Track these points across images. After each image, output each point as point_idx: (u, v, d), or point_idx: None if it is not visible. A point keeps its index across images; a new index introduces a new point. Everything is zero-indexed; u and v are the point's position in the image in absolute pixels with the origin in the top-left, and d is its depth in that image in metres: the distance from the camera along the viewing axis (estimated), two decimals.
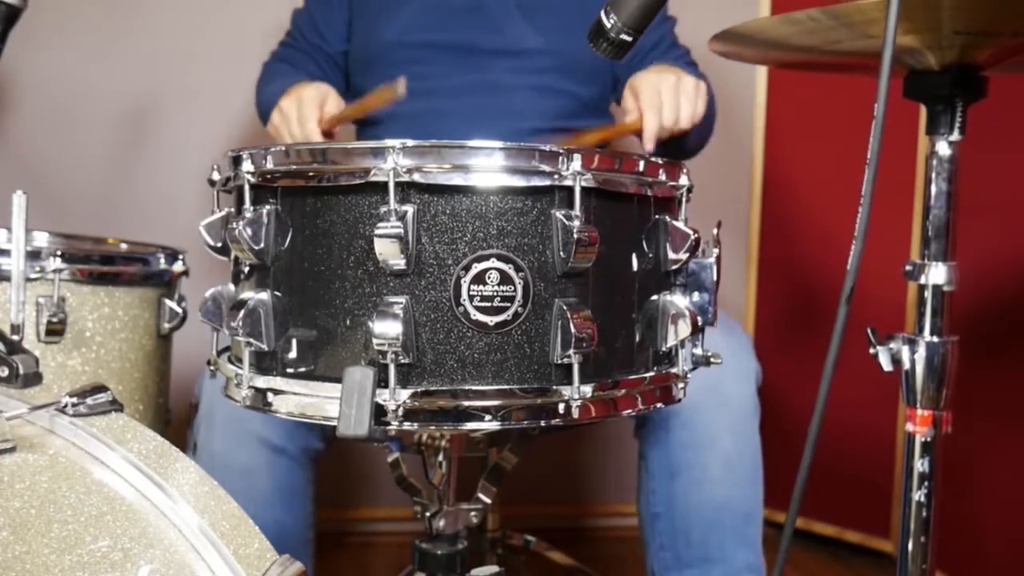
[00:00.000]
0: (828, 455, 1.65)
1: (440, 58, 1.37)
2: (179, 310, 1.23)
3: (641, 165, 0.75)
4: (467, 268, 0.69)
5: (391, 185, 0.67)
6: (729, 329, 1.10)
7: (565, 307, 0.70)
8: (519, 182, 0.69)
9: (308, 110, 1.19)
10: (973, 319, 1.53)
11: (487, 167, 0.69)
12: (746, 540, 1.13)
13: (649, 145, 1.16)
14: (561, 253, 0.69)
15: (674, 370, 0.79)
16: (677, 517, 1.12)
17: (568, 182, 0.69)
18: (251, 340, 0.72)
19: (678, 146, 1.24)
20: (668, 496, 1.13)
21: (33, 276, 1.07)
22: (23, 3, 0.80)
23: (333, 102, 1.23)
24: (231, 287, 0.80)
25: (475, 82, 1.36)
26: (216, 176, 0.80)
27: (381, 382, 0.68)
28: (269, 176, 0.73)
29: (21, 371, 0.71)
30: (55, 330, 1.07)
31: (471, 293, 0.69)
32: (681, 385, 0.80)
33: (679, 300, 0.77)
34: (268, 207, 0.73)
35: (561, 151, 0.70)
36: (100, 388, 0.71)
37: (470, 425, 0.70)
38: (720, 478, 1.10)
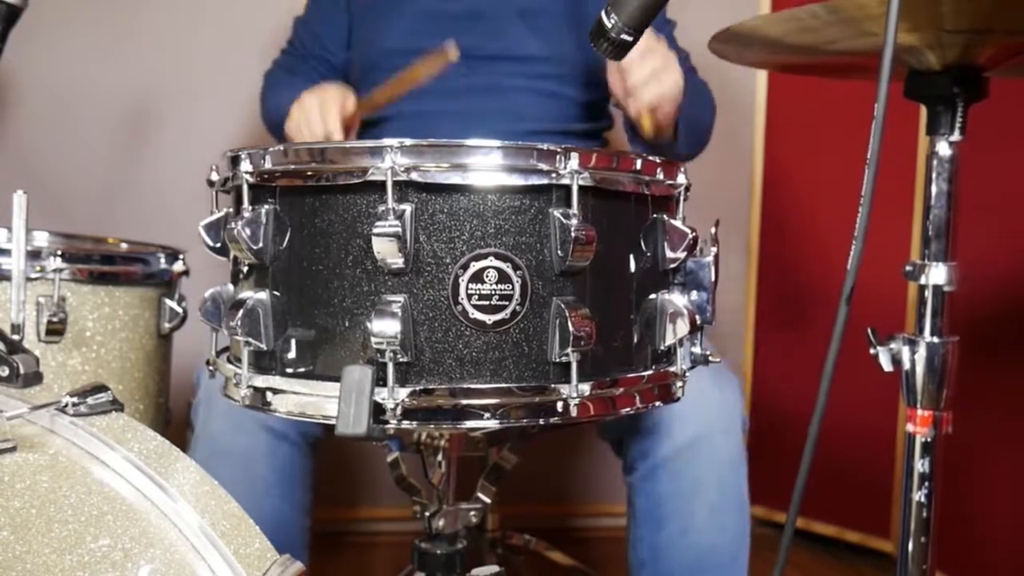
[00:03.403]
0: (828, 455, 1.65)
1: None
2: (179, 310, 1.23)
3: (638, 163, 0.76)
4: (465, 267, 0.69)
5: (389, 184, 0.67)
6: (719, 377, 1.11)
7: (563, 305, 0.70)
8: (517, 181, 0.69)
9: (331, 106, 1.19)
10: (973, 319, 1.53)
11: (485, 166, 0.69)
12: None
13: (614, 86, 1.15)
14: (559, 252, 0.70)
15: (672, 369, 0.79)
16: (662, 564, 1.13)
17: (565, 181, 0.70)
18: (250, 340, 0.72)
19: (669, 147, 1.24)
20: (654, 545, 1.13)
21: (33, 276, 1.08)
22: (23, 3, 0.80)
23: (352, 102, 1.23)
24: (230, 287, 0.80)
25: (475, 84, 1.36)
26: (215, 176, 0.80)
27: (380, 381, 0.68)
28: (267, 176, 0.73)
29: (21, 371, 0.72)
30: (55, 330, 1.07)
31: (469, 292, 0.69)
32: (680, 384, 0.80)
33: (677, 299, 0.77)
34: (266, 207, 0.73)
35: (558, 150, 0.70)
36: (100, 388, 0.71)
37: (469, 423, 0.70)
38: (705, 527, 1.11)
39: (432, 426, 0.75)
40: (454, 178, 0.69)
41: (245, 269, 0.77)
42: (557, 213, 0.70)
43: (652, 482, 1.12)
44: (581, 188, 0.70)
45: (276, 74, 1.48)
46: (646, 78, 1.13)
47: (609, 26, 0.76)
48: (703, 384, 0.82)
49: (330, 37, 1.45)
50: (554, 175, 0.69)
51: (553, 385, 0.71)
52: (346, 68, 1.46)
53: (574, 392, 0.70)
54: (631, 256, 0.76)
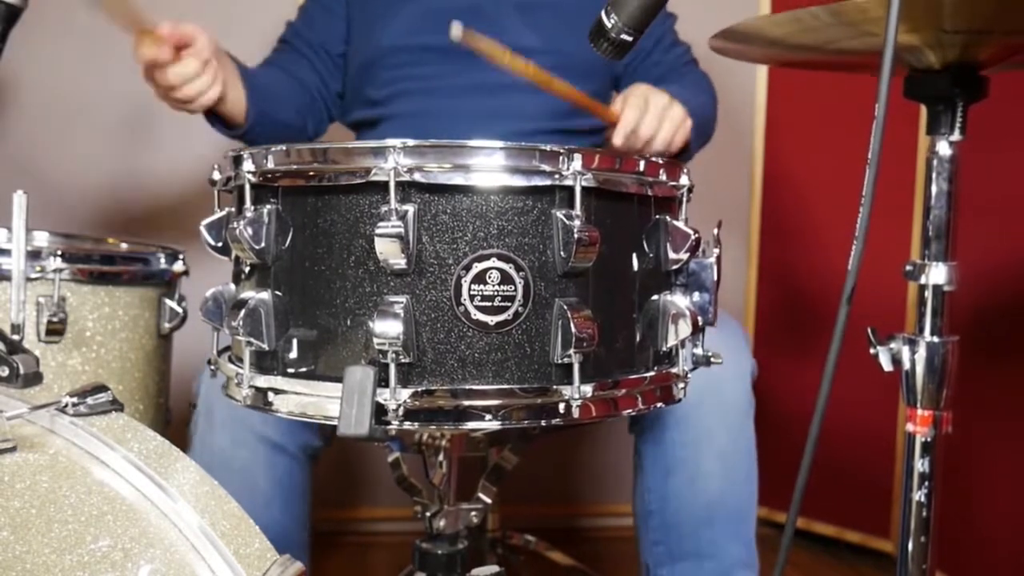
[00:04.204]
0: (828, 455, 1.65)
1: (439, 60, 1.37)
2: (179, 310, 1.23)
3: (641, 165, 0.76)
4: (468, 268, 0.69)
5: (392, 185, 0.67)
6: (725, 326, 1.10)
7: (565, 307, 0.70)
8: (520, 182, 0.69)
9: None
10: (973, 319, 1.53)
11: (488, 167, 0.69)
12: (739, 536, 1.13)
13: (617, 140, 1.13)
14: (562, 253, 0.69)
15: (674, 370, 0.79)
16: (670, 513, 1.12)
17: (568, 182, 0.69)
18: (252, 340, 0.72)
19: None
20: (662, 493, 1.13)
21: (33, 276, 1.07)
22: (23, 3, 0.80)
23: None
24: (232, 287, 0.80)
25: (474, 82, 1.36)
26: (217, 176, 0.80)
27: (382, 381, 0.68)
28: (270, 176, 0.73)
29: (21, 371, 0.71)
30: (55, 330, 1.07)
31: (472, 293, 0.69)
32: (681, 385, 0.80)
33: (679, 300, 0.77)
34: (269, 207, 0.73)
35: (561, 151, 0.70)
36: (100, 388, 0.71)
37: (470, 425, 0.70)
38: (714, 475, 1.10)
39: (434, 427, 0.75)
40: (457, 179, 0.68)
41: (247, 269, 0.77)
42: (560, 214, 0.70)
43: (660, 430, 1.12)
44: (584, 189, 0.70)
45: (259, 68, 1.44)
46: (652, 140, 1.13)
47: (609, 26, 0.76)
48: (710, 333, 0.83)
49: (329, 29, 1.44)
50: (557, 176, 0.69)
51: (555, 386, 0.71)
52: (343, 62, 1.46)
53: (576, 393, 0.70)
54: (634, 257, 0.76)
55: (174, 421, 1.29)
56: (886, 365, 0.87)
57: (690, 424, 1.10)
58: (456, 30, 0.96)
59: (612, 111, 1.15)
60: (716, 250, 0.82)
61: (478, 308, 0.69)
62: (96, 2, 1.00)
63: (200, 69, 1.12)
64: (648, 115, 1.13)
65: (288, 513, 1.13)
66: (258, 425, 1.08)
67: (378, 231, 0.67)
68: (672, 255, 0.77)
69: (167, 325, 1.22)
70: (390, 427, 0.69)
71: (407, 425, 0.69)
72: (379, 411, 0.68)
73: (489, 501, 1.00)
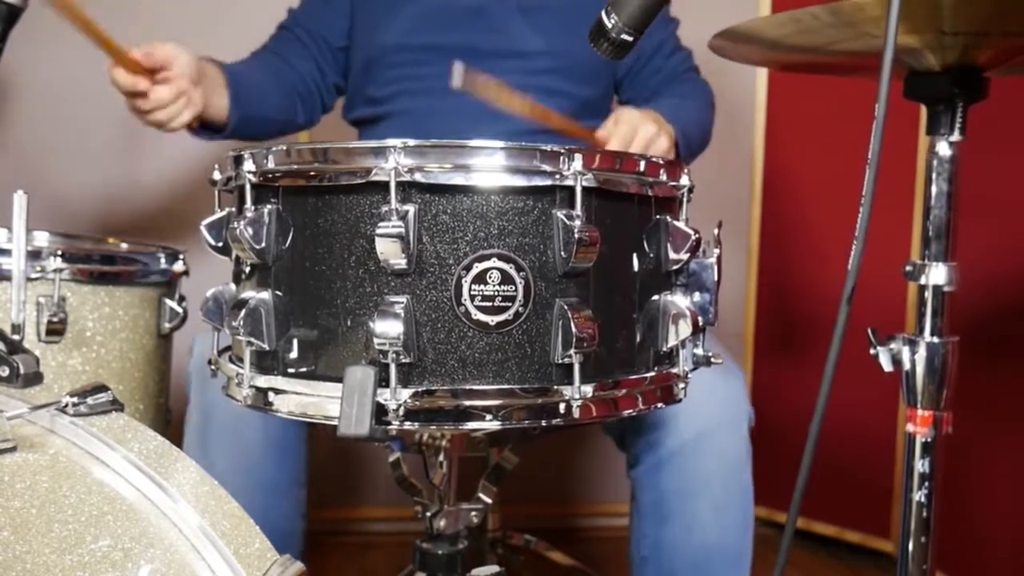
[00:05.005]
0: (828, 455, 1.65)
1: (441, 59, 1.36)
2: (179, 310, 1.23)
3: (642, 165, 0.76)
4: (468, 268, 0.69)
5: (392, 185, 0.67)
6: (724, 371, 1.10)
7: (566, 307, 0.70)
8: (520, 182, 0.69)
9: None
10: (973, 319, 1.53)
11: (488, 167, 0.69)
12: None
13: None
14: (562, 253, 0.69)
15: (675, 370, 0.79)
16: (665, 560, 1.13)
17: (569, 182, 0.69)
18: (252, 340, 0.72)
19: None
20: (656, 541, 1.13)
21: (34, 276, 1.08)
22: (23, 3, 0.80)
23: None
24: (232, 287, 0.80)
25: None
26: (217, 176, 0.80)
27: (382, 382, 0.68)
28: (270, 176, 0.73)
29: (22, 371, 0.71)
30: (55, 330, 1.07)
31: (472, 293, 0.69)
32: (682, 385, 0.80)
33: (680, 300, 0.77)
34: (269, 207, 0.73)
35: (562, 151, 0.70)
36: (100, 388, 0.71)
37: (471, 425, 0.70)
38: (709, 525, 1.11)
39: (434, 427, 0.75)
40: (457, 179, 0.68)
41: (247, 269, 0.77)
42: (560, 214, 0.70)
43: (656, 477, 1.12)
44: (585, 189, 0.70)
45: (255, 54, 1.44)
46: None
47: (609, 26, 0.75)
48: (708, 378, 0.83)
49: (330, 21, 1.44)
50: (558, 176, 0.69)
51: (555, 387, 0.71)
52: (343, 55, 1.45)
53: (576, 394, 0.70)
54: (634, 257, 0.76)
55: (174, 421, 1.29)
56: (886, 366, 0.87)
57: (687, 474, 1.10)
58: (457, 78, 0.99)
59: (603, 139, 1.17)
60: (716, 250, 0.82)
61: (478, 308, 0.69)
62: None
63: (173, 97, 1.15)
64: (633, 148, 1.15)
65: (283, 470, 1.12)
66: None
67: (379, 231, 0.67)
68: (672, 255, 0.77)
69: (167, 325, 1.22)
70: (390, 427, 0.69)
71: (407, 425, 0.69)
72: (379, 411, 0.68)
73: (489, 501, 1.00)
